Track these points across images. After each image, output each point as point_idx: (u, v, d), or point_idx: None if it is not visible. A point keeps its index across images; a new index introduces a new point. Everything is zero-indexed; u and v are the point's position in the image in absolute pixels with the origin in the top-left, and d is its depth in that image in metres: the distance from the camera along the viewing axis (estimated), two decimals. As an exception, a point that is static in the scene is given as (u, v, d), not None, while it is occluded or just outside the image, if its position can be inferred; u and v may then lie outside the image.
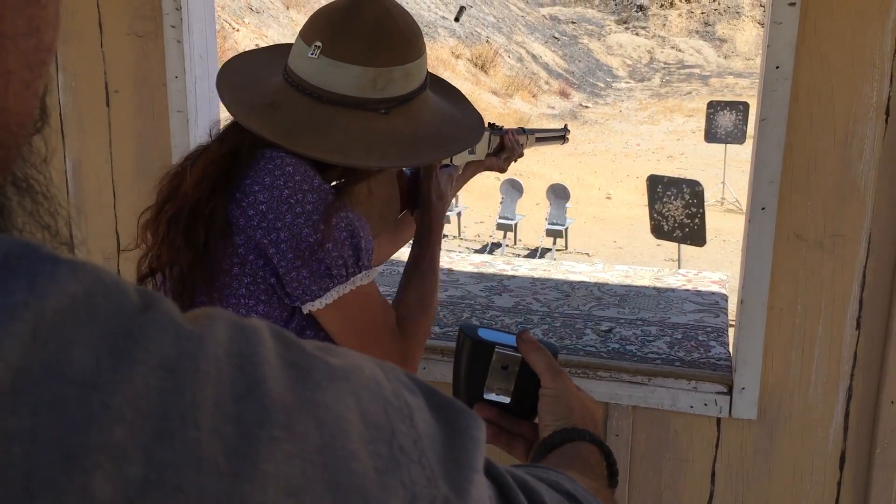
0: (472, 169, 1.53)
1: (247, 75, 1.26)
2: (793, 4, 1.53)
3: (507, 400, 0.84)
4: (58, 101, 2.02)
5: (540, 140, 1.71)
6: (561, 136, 1.80)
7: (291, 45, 1.30)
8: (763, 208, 1.62)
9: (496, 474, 0.46)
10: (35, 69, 0.35)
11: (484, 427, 0.42)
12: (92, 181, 2.06)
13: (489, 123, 1.58)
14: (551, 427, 0.78)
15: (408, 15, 1.22)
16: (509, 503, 0.46)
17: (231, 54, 1.41)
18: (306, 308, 1.15)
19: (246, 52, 1.35)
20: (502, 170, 1.58)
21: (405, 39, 1.19)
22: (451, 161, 1.49)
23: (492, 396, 0.84)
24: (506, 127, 1.60)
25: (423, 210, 1.38)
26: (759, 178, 1.62)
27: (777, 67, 1.56)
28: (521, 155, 1.61)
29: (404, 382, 0.40)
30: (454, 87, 1.40)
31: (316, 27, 1.18)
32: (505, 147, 1.58)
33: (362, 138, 1.16)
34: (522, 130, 1.64)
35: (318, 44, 1.16)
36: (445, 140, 1.24)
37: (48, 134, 0.38)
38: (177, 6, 1.89)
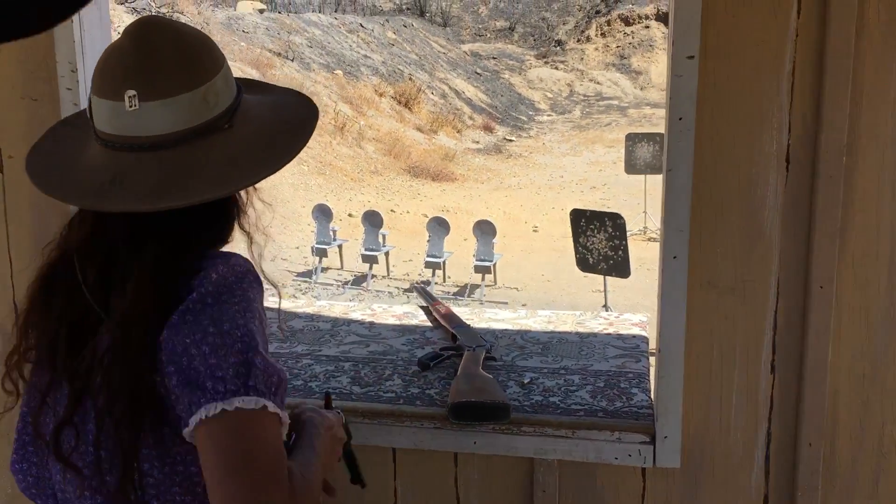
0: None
1: (51, 168, 1.16)
2: (691, 58, 1.55)
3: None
4: (-54, 170, 1.92)
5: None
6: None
7: (68, 118, 1.25)
8: (675, 257, 1.63)
9: None
10: None
11: None
12: (-14, 251, 1.96)
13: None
14: None
15: (189, 27, 1.16)
16: None
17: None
18: (187, 435, 0.99)
19: (34, 148, 1.22)
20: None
21: (207, 47, 1.14)
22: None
23: None
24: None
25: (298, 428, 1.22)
26: (670, 228, 1.63)
27: (680, 119, 1.58)
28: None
29: None
30: (246, 78, 1.32)
31: (116, 79, 1.08)
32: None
33: (226, 160, 1.09)
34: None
35: (133, 92, 1.06)
36: (294, 126, 1.18)
37: None
38: (72, 68, 1.82)
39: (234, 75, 1.22)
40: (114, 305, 1.06)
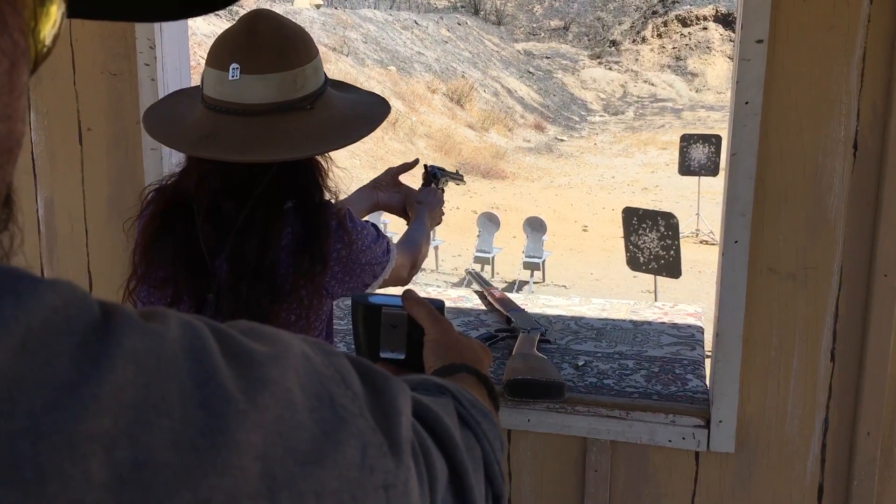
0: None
1: (162, 121, 1.39)
2: (760, 42, 1.56)
3: (402, 356, 0.90)
4: (30, 140, 2.01)
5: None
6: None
7: (185, 88, 1.49)
8: (736, 241, 1.64)
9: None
10: (3, 155, 0.38)
11: (406, 395, 0.48)
12: (64, 220, 2.04)
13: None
14: (433, 368, 0.85)
15: (292, 21, 1.38)
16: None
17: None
18: (381, 280, 1.49)
19: (152, 106, 1.48)
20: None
21: (304, 40, 1.35)
22: (435, 185, 1.98)
23: (388, 354, 0.90)
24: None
25: (413, 212, 1.87)
26: (732, 212, 1.63)
27: (746, 103, 1.58)
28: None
29: (332, 352, 0.45)
30: (340, 80, 1.56)
31: (225, 53, 1.31)
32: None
33: (302, 134, 1.31)
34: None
35: (236, 65, 1.29)
36: (365, 117, 1.41)
37: (13, 231, 0.41)
38: (151, 45, 1.89)
39: None
40: (233, 243, 1.33)
